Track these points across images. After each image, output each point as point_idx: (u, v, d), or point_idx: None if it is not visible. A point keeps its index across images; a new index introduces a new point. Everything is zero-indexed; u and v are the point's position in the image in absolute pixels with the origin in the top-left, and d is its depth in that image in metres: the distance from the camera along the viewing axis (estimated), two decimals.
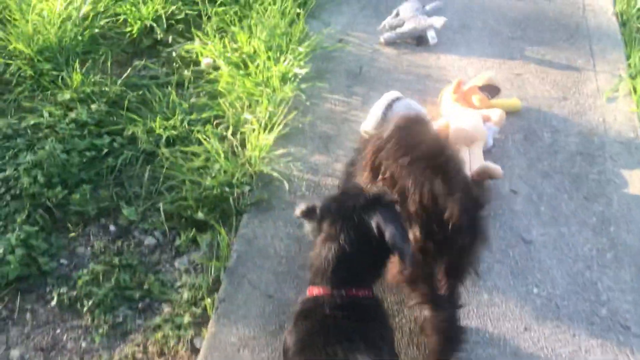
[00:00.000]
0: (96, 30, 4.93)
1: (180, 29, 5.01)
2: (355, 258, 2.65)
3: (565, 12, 5.27)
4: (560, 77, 4.65)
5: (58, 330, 3.41)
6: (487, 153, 4.02)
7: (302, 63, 4.54)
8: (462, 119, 3.99)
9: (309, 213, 2.76)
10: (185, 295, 3.53)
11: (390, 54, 4.84)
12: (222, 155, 3.99)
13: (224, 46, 4.69)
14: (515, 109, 4.32)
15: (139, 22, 4.96)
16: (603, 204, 3.86)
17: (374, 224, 2.58)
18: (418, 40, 4.91)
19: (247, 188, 3.90)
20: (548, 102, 4.46)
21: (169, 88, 4.53)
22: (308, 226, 2.78)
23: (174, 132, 4.20)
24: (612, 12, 5.21)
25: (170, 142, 4.20)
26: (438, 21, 4.83)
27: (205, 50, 4.71)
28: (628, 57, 4.73)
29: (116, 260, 3.66)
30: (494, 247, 3.63)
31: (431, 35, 4.84)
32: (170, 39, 4.93)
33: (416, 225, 2.87)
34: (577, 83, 4.60)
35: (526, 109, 4.41)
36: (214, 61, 4.68)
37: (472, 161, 3.86)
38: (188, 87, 4.57)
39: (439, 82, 4.59)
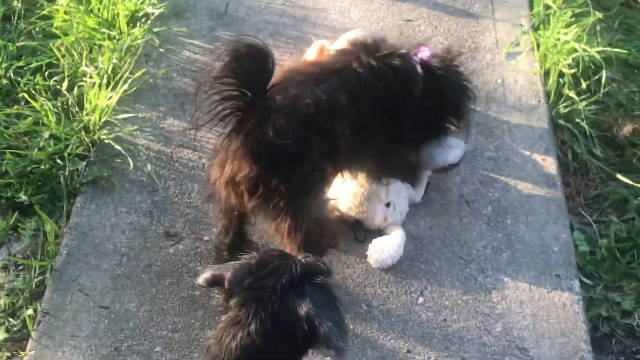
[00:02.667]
0: None
1: None
2: (267, 353, 2.00)
3: None
4: (455, 25, 4.05)
5: None
6: None
7: (155, 0, 3.80)
8: None
9: (214, 283, 2.10)
10: (2, 301, 2.90)
11: None
12: (54, 118, 3.28)
13: None
14: None
15: None
16: (500, 189, 3.35)
17: (301, 312, 1.97)
18: None
19: (82, 163, 3.22)
20: None
21: None
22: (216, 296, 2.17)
23: None
24: None
25: None
26: None
27: None
28: (531, 5, 4.16)
29: None
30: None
31: None
32: None
33: None
34: (473, 34, 4.02)
35: None
36: None
37: None
38: (17, 23, 3.79)
39: (317, 27, 3.96)
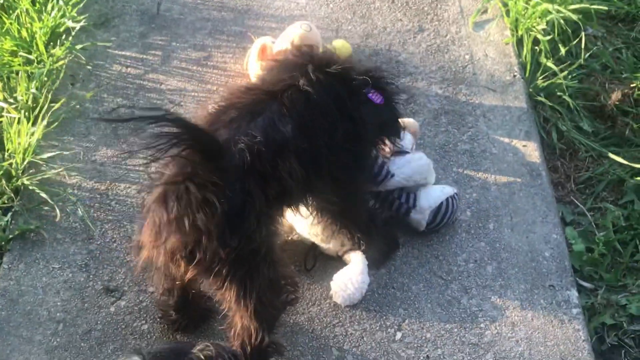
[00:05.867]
0: None
1: None
2: None
3: None
4: None
5: None
6: None
7: (74, 13, 3.38)
8: None
9: None
10: None
11: None
12: None
13: None
14: (344, 54, 3.23)
15: None
16: (478, 188, 2.97)
17: None
18: None
19: (5, 218, 2.84)
20: (400, 37, 3.45)
21: None
22: None
23: None
24: None
25: None
26: None
27: None
28: None
29: None
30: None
31: None
32: None
33: None
34: (435, 4, 3.59)
35: (374, 50, 3.41)
36: None
37: None
38: None
39: (261, 18, 3.54)
